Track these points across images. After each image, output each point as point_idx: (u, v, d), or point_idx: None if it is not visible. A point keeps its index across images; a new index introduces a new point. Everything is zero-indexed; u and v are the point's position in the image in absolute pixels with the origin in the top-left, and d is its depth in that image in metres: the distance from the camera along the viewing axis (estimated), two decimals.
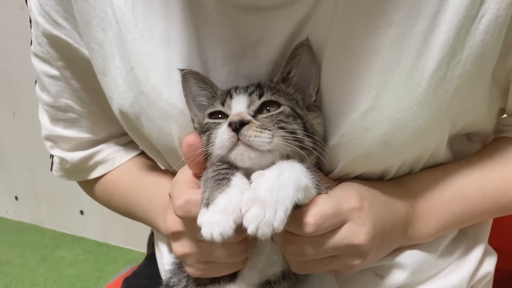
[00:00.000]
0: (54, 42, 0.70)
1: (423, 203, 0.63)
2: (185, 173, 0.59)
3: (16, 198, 2.79)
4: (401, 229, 0.61)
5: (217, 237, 0.47)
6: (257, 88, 0.58)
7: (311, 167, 0.56)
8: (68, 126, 0.77)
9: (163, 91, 0.60)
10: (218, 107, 0.58)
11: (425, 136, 0.57)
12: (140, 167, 0.79)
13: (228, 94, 0.59)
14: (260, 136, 0.52)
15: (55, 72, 0.73)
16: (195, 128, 0.62)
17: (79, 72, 0.72)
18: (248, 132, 0.52)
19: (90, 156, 0.79)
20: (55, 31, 0.68)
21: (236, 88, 0.60)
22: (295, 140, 0.53)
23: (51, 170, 0.83)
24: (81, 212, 2.58)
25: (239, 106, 0.56)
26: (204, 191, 0.52)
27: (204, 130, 0.57)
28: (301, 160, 0.55)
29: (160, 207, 0.70)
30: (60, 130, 0.77)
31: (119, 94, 0.64)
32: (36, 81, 0.77)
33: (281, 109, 0.56)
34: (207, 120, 0.58)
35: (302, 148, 0.54)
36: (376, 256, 0.60)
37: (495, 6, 0.52)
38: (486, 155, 0.66)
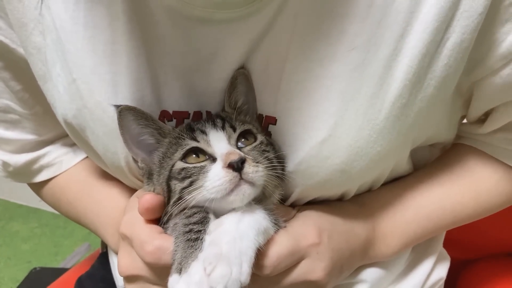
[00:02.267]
0: None
1: (384, 224, 0.63)
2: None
3: None
4: (361, 253, 0.61)
5: None
6: (222, 119, 0.55)
7: (274, 204, 0.55)
8: (9, 128, 0.71)
9: (108, 108, 0.55)
10: (194, 144, 0.53)
11: (384, 160, 0.56)
12: (89, 174, 0.74)
13: (195, 129, 0.55)
14: (258, 170, 0.50)
15: None
16: (140, 168, 0.57)
17: (20, 73, 0.65)
18: (250, 169, 0.49)
19: (35, 160, 0.74)
20: None
21: (198, 123, 0.56)
22: (273, 169, 0.52)
23: None
24: None
25: (221, 143, 0.53)
26: (175, 251, 0.49)
27: (182, 177, 0.52)
28: (272, 191, 0.54)
29: (108, 226, 0.67)
30: (1, 132, 0.71)
31: (62, 104, 0.59)
32: None
33: (259, 139, 0.55)
34: (182, 164, 0.53)
35: (277, 176, 0.53)
36: (336, 281, 0.60)
37: (460, 30, 0.49)
38: (446, 167, 0.66)
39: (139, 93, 0.56)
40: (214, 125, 0.55)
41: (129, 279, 0.57)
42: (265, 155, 0.53)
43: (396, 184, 0.65)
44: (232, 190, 0.49)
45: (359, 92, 0.51)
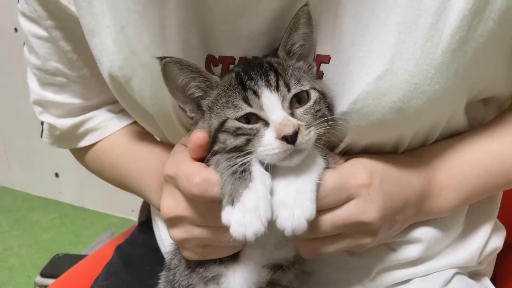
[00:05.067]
0: None
1: (441, 176, 0.60)
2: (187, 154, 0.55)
3: None
4: (416, 205, 0.58)
5: (250, 237, 0.45)
6: (276, 74, 0.53)
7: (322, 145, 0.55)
8: (58, 91, 0.74)
9: (156, 51, 0.55)
10: (248, 110, 0.52)
11: (441, 101, 0.54)
12: (133, 137, 0.75)
13: (247, 87, 0.52)
14: (310, 137, 0.50)
15: (43, 32, 0.69)
16: (190, 118, 0.57)
17: (69, 32, 0.68)
18: (303, 139, 0.49)
19: (81, 123, 0.76)
20: None
21: (249, 78, 0.53)
22: (325, 122, 0.52)
23: (41, 136, 0.80)
24: (56, 175, 2.51)
25: (275, 108, 0.51)
26: (223, 185, 0.49)
27: (237, 134, 0.51)
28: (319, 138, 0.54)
29: (152, 181, 0.68)
30: (50, 95, 0.74)
31: (109, 56, 0.60)
32: (24, 43, 0.74)
33: (313, 97, 0.53)
34: (236, 123, 0.52)
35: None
36: (388, 233, 0.57)
37: None
38: (504, 123, 0.63)
39: (186, 35, 0.56)
40: (268, 83, 0.52)
41: (172, 221, 0.56)
42: (319, 115, 0.52)
43: (453, 138, 0.63)
44: (284, 159, 0.49)
45: (416, 23, 0.50)
